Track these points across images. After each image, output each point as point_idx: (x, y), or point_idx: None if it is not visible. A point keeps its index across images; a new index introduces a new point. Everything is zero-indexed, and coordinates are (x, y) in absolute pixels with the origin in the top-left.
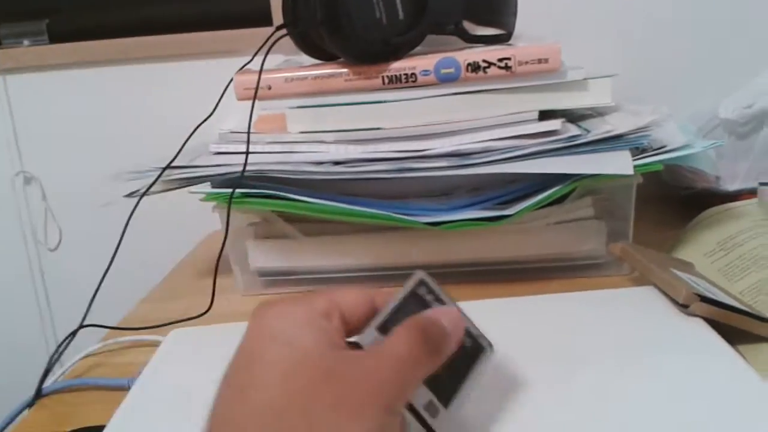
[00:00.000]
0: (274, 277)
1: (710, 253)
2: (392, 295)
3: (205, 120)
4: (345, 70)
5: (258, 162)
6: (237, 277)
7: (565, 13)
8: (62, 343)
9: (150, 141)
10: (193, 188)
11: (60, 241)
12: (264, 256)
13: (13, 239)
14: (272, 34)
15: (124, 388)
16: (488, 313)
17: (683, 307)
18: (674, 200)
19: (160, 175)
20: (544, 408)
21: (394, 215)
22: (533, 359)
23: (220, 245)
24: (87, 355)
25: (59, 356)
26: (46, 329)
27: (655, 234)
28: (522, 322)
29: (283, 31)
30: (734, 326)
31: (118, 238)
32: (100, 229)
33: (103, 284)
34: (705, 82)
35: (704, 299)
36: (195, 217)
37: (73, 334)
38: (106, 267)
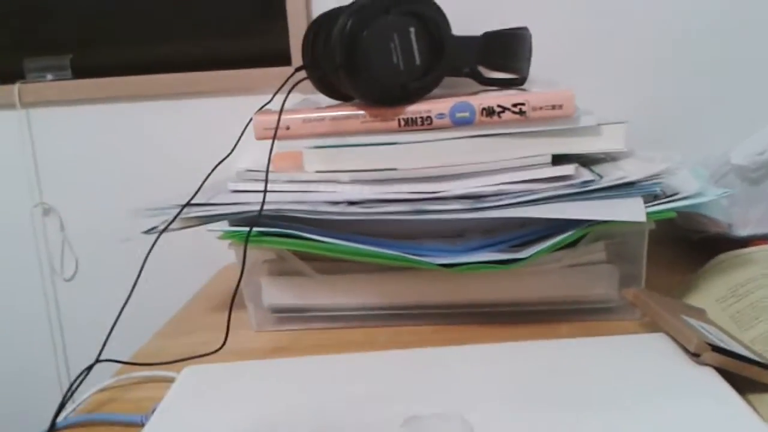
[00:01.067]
0: (288, 314)
1: (722, 299)
2: None
3: (224, 159)
4: (362, 112)
5: (275, 201)
6: (250, 313)
7: (579, 59)
8: (78, 377)
9: (168, 177)
10: (211, 226)
11: (76, 272)
12: (278, 293)
13: (30, 269)
14: (291, 75)
15: (138, 425)
16: (498, 358)
17: (694, 355)
18: (687, 244)
19: (179, 213)
20: None
21: (408, 256)
22: (542, 404)
23: (233, 279)
24: (101, 390)
25: (74, 391)
26: (59, 360)
27: (668, 278)
28: (532, 366)
29: (302, 73)
30: (745, 376)
31: (133, 270)
32: (116, 261)
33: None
34: (717, 127)
35: (715, 348)
36: (208, 250)
37: (89, 368)
38: (120, 298)
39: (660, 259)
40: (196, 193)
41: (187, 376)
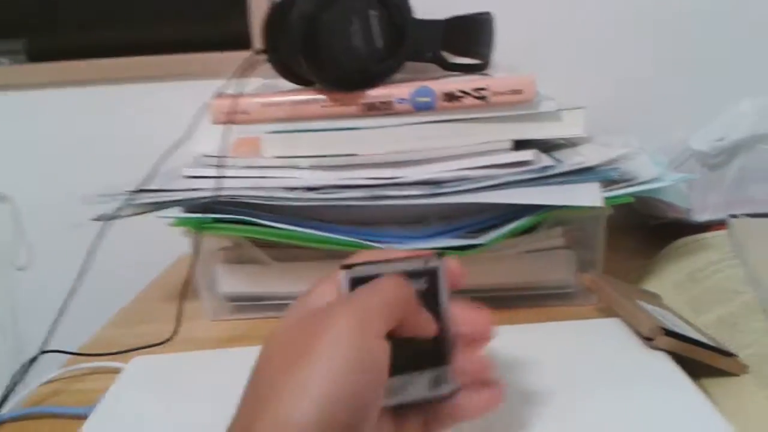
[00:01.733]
0: (244, 303)
1: (679, 284)
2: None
3: (179, 143)
4: (322, 96)
5: (231, 186)
6: (206, 301)
7: (540, 45)
8: (20, 369)
9: (124, 163)
10: (163, 212)
11: (29, 260)
12: (234, 281)
13: None
14: (249, 59)
15: (82, 417)
16: None
17: (648, 340)
18: (645, 229)
19: (128, 199)
20: None
21: (365, 242)
22: None
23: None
24: (47, 382)
25: (18, 383)
26: (10, 351)
27: (626, 263)
28: (488, 351)
29: (262, 57)
30: (698, 360)
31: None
32: (70, 249)
33: (69, 306)
34: (677, 113)
35: (668, 332)
36: (166, 239)
37: (33, 359)
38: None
39: (619, 244)
40: (147, 178)
41: (135, 366)
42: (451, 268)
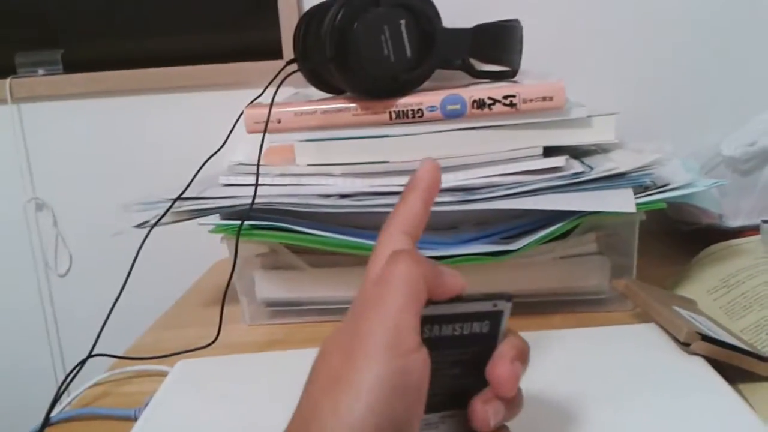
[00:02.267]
0: (281, 308)
1: (713, 290)
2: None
3: (215, 153)
4: (353, 105)
5: (266, 194)
6: (243, 307)
7: (570, 51)
8: (72, 371)
9: (160, 171)
10: (202, 220)
11: (70, 267)
12: (271, 287)
13: (24, 265)
14: (282, 69)
15: (131, 419)
16: None
17: (684, 345)
18: (678, 235)
19: (170, 207)
20: None
21: None
22: (534, 395)
23: (226, 274)
24: (94, 384)
25: (68, 385)
26: (54, 356)
27: (659, 269)
28: None
29: (294, 66)
30: (735, 365)
31: (127, 266)
32: (110, 256)
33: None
34: (708, 119)
35: (705, 338)
36: (201, 245)
37: (82, 363)
38: (114, 294)
39: (651, 251)
40: (188, 187)
41: (181, 369)
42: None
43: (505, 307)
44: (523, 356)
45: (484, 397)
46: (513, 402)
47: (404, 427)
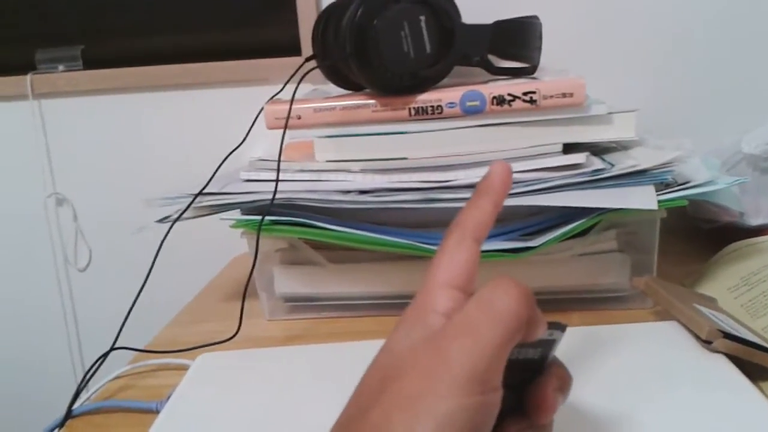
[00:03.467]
0: (300, 303)
1: (733, 288)
2: None
3: (236, 148)
4: (372, 101)
5: (286, 190)
6: (262, 302)
7: (589, 47)
8: (94, 364)
9: (179, 167)
10: (223, 215)
11: (89, 262)
12: (290, 282)
13: (44, 259)
14: (302, 65)
15: (153, 411)
16: None
17: (706, 343)
18: (698, 233)
19: (192, 202)
20: None
21: (419, 245)
22: None
23: (244, 270)
24: (116, 378)
25: (90, 378)
26: (73, 350)
27: (679, 267)
28: None
29: (313, 63)
30: (756, 363)
31: (146, 260)
32: (129, 251)
33: (128, 306)
34: (728, 117)
35: (727, 336)
36: (220, 241)
37: (105, 355)
38: (133, 288)
39: (671, 249)
40: (209, 182)
41: (202, 363)
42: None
43: (559, 336)
44: (564, 387)
45: (519, 426)
46: (543, 429)
47: None
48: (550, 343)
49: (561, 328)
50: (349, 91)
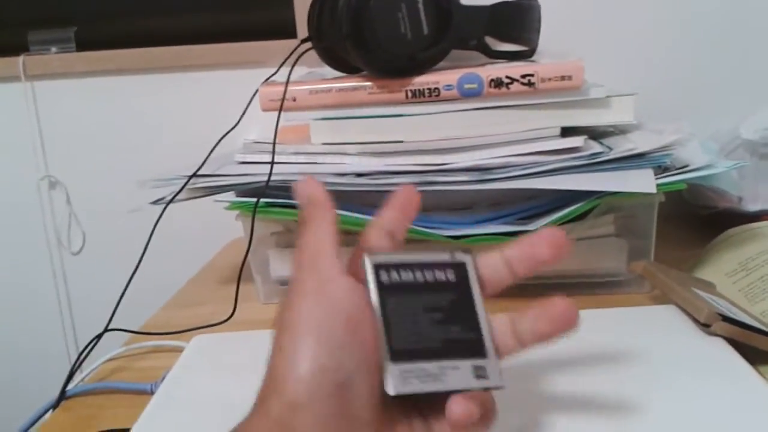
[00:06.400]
0: None
1: (731, 273)
2: None
3: (230, 130)
4: (368, 83)
5: (282, 172)
6: (258, 285)
7: (588, 31)
8: (88, 345)
9: (173, 149)
10: (218, 197)
11: (83, 245)
12: (285, 265)
13: (37, 243)
14: (297, 47)
15: (147, 393)
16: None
17: (704, 326)
18: (695, 220)
19: (186, 183)
20: (559, 425)
21: (416, 228)
22: (554, 376)
23: (239, 253)
24: (110, 359)
25: (84, 359)
26: (67, 333)
27: (676, 253)
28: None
29: (308, 45)
30: (755, 346)
31: (140, 243)
32: (123, 233)
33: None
34: (727, 102)
35: (726, 319)
36: (214, 225)
37: (99, 337)
38: (127, 271)
39: (668, 235)
40: (203, 163)
41: (197, 344)
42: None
43: (466, 258)
44: (483, 409)
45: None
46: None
47: (348, 347)
48: (460, 266)
49: (464, 250)
50: (345, 74)
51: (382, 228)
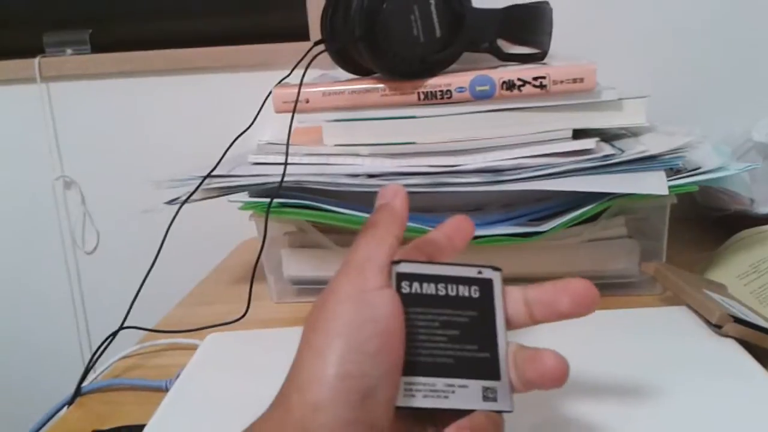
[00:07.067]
0: (308, 286)
1: (743, 275)
2: None
3: (244, 131)
4: (381, 85)
5: (295, 173)
6: (270, 284)
7: (600, 33)
8: (104, 342)
9: (187, 150)
10: (232, 197)
11: (97, 244)
12: (298, 265)
13: (52, 242)
14: (310, 49)
15: (162, 390)
16: (518, 329)
17: (716, 327)
18: (707, 222)
19: (201, 184)
20: (571, 425)
21: (427, 228)
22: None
23: (252, 253)
24: (124, 357)
25: (99, 356)
26: (81, 333)
27: (688, 255)
28: (553, 340)
29: (321, 47)
30: (766, 348)
31: (153, 243)
32: (137, 234)
33: (135, 287)
34: (739, 104)
35: (737, 320)
36: (227, 225)
37: (114, 334)
38: (141, 271)
39: (680, 237)
40: (218, 164)
41: (211, 342)
42: (575, 289)
43: (494, 276)
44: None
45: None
46: None
47: (379, 356)
48: (486, 283)
49: (493, 267)
50: (358, 76)
51: (421, 250)
